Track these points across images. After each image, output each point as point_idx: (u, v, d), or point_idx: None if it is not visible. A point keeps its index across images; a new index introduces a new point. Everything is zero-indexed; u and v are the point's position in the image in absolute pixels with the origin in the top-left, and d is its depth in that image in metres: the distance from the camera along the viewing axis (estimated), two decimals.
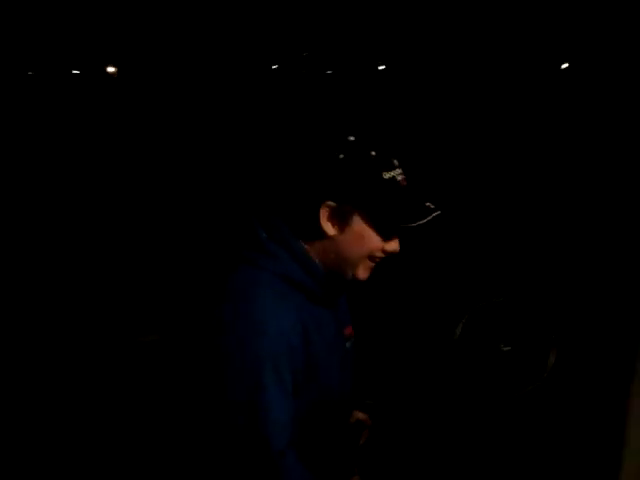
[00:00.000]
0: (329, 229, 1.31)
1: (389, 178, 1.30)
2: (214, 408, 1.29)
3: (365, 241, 1.32)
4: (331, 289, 1.40)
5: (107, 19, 15.47)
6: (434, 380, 3.86)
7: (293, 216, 1.34)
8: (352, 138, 1.32)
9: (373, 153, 1.30)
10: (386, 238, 1.34)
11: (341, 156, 1.29)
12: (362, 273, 1.37)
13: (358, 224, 1.30)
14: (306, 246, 1.35)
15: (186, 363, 3.39)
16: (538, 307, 3.99)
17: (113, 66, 18.25)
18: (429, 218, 1.28)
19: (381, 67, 17.70)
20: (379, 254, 1.35)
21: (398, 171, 1.32)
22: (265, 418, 1.22)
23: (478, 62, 13.27)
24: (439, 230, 6.15)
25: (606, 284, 4.70)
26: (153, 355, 4.21)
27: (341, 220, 1.30)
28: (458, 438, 3.41)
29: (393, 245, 1.35)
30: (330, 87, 16.38)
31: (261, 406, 1.22)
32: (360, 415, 1.64)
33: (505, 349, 3.88)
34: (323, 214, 1.30)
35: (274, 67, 17.62)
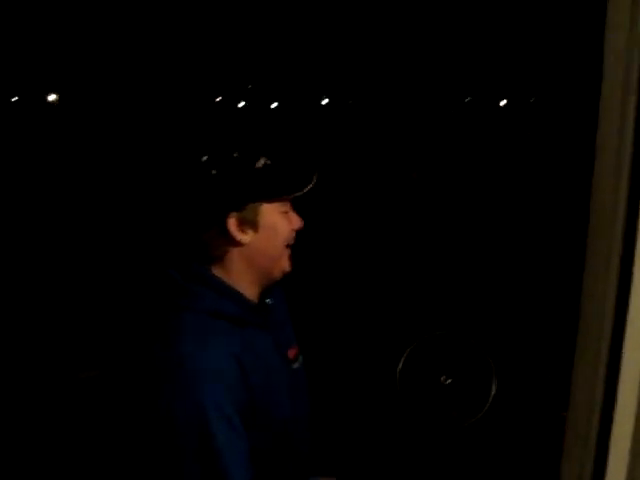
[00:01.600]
0: (244, 237, 1.33)
1: (261, 166, 1.34)
2: (166, 457, 1.28)
3: (278, 229, 1.37)
4: (258, 308, 1.41)
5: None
6: (377, 413, 3.88)
7: (204, 246, 1.36)
8: (205, 158, 1.35)
9: (235, 155, 1.34)
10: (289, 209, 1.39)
11: (213, 172, 1.32)
12: (286, 263, 1.41)
13: (264, 217, 1.35)
14: (223, 273, 1.36)
15: (128, 409, 3.33)
16: (479, 340, 4.06)
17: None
18: (314, 182, 1.37)
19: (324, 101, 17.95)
20: (292, 236, 1.41)
21: (264, 159, 1.36)
22: (221, 464, 1.22)
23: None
24: (383, 264, 6.21)
25: (545, 316, 4.82)
26: (93, 391, 4.12)
27: (250, 223, 1.34)
28: (401, 470, 3.42)
29: (296, 221, 1.41)
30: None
31: (215, 453, 1.21)
32: None
33: (447, 382, 3.93)
34: (232, 227, 1.32)
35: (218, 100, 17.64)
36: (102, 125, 14.77)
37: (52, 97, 18.44)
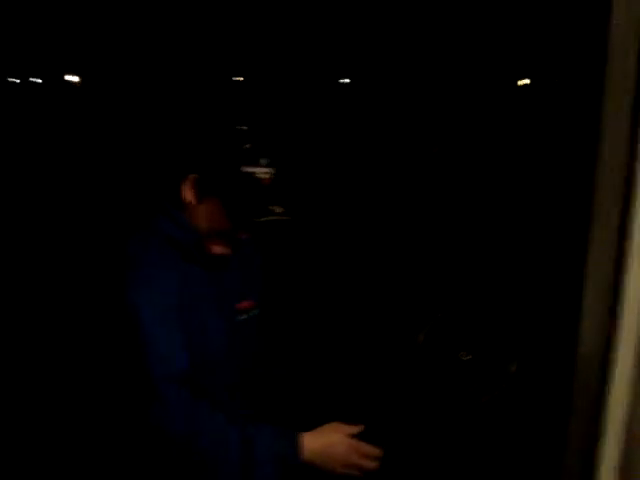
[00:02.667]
0: (188, 197, 1.50)
1: (249, 172, 1.47)
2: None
3: (215, 218, 1.49)
4: (205, 251, 1.52)
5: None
6: (395, 387, 3.87)
7: (164, 183, 1.54)
8: (244, 127, 1.52)
9: (247, 146, 1.49)
10: (233, 223, 1.50)
11: (219, 138, 1.52)
12: (215, 247, 1.53)
13: (212, 201, 1.49)
14: (187, 215, 1.51)
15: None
16: (501, 317, 4.04)
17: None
18: (270, 218, 1.49)
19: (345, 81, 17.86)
20: (228, 235, 1.52)
21: (263, 170, 1.49)
22: (145, 348, 1.36)
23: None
24: (407, 237, 6.18)
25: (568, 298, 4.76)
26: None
27: (199, 192, 1.49)
28: (417, 446, 3.42)
29: (237, 231, 1.52)
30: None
31: (142, 339, 1.36)
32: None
33: (466, 358, 3.91)
34: (187, 183, 1.49)
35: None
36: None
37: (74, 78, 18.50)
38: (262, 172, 1.48)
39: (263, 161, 1.48)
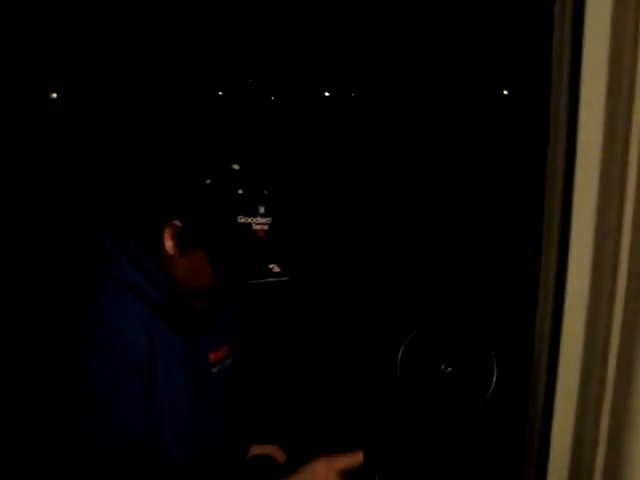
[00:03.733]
0: (169, 247, 1.27)
1: (244, 223, 1.24)
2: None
3: (199, 276, 1.28)
4: (180, 308, 1.32)
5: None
6: (377, 399, 3.87)
7: (141, 226, 1.31)
8: (236, 167, 1.28)
9: (240, 191, 1.25)
10: (219, 282, 1.29)
11: (207, 181, 1.25)
12: (196, 303, 1.33)
13: (196, 255, 1.27)
14: (158, 256, 1.29)
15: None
16: (482, 330, 4.05)
17: None
18: (269, 280, 1.24)
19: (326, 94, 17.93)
20: (209, 293, 1.32)
21: (261, 220, 1.26)
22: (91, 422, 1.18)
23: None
24: (389, 250, 6.17)
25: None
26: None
27: (182, 244, 1.26)
28: (398, 458, 3.42)
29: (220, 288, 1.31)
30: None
31: (90, 409, 1.19)
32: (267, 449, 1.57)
33: (447, 370, 3.92)
34: (168, 231, 1.26)
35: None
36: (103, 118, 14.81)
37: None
38: (259, 223, 1.25)
39: (261, 209, 1.25)
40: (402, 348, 3.98)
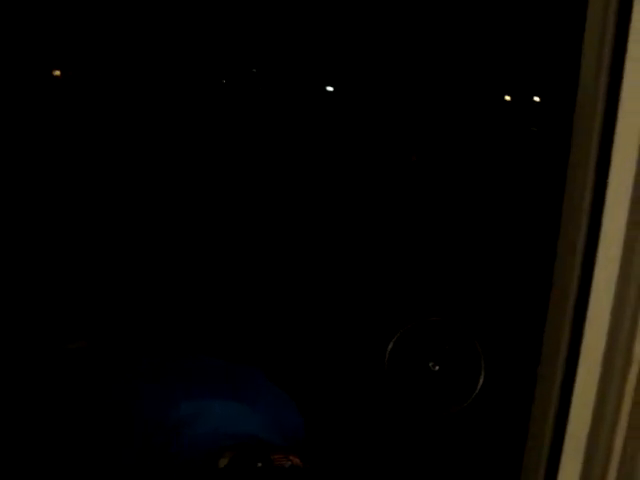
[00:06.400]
0: None
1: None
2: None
3: None
4: None
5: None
6: (365, 397, 3.88)
7: None
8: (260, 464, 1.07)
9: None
10: None
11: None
12: None
13: None
14: None
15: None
16: (470, 329, 4.06)
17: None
18: None
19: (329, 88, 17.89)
20: None
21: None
22: None
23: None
24: (379, 247, 6.16)
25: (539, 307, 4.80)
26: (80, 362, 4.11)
27: None
28: (385, 455, 3.42)
29: None
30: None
31: None
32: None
33: (435, 368, 3.93)
34: None
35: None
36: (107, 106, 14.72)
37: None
38: None
39: None
40: (391, 343, 3.98)
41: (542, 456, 1.16)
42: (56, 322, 4.67)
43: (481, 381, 3.89)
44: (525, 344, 4.38)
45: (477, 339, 3.99)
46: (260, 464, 1.00)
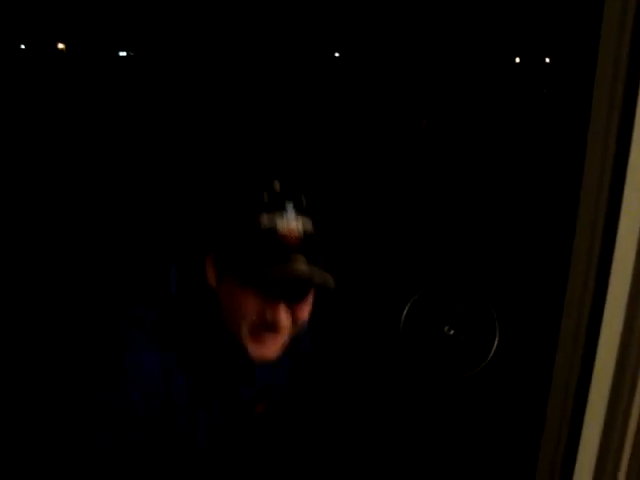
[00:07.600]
0: (210, 279, 1.16)
1: (270, 229, 1.07)
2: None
3: (237, 299, 1.11)
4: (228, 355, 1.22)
5: None
6: (379, 362, 3.90)
7: (187, 261, 1.22)
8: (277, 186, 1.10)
9: (276, 186, 1.11)
10: (264, 294, 1.10)
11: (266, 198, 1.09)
12: (250, 346, 1.15)
13: (229, 279, 1.12)
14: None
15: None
16: (485, 294, 4.06)
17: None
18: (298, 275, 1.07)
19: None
20: (258, 322, 1.13)
21: (293, 221, 1.08)
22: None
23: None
24: (395, 214, 6.17)
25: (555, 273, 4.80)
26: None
27: (218, 271, 1.14)
28: (399, 420, 3.45)
29: (271, 313, 1.11)
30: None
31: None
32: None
33: (450, 332, 3.94)
34: (208, 263, 1.15)
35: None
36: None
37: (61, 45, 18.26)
38: (290, 224, 1.08)
39: (289, 206, 1.08)
40: (407, 308, 3.99)
41: (565, 418, 1.14)
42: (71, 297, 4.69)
43: (495, 345, 3.90)
44: (540, 308, 4.39)
45: (492, 303, 4.00)
46: None
